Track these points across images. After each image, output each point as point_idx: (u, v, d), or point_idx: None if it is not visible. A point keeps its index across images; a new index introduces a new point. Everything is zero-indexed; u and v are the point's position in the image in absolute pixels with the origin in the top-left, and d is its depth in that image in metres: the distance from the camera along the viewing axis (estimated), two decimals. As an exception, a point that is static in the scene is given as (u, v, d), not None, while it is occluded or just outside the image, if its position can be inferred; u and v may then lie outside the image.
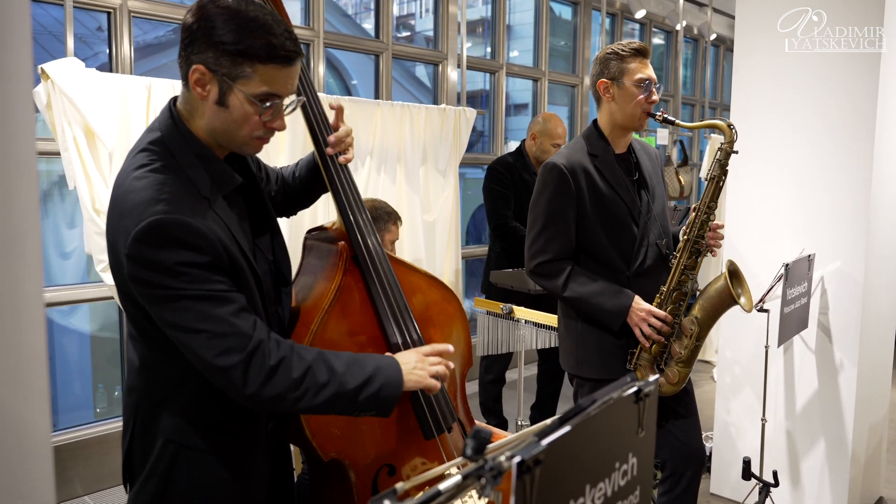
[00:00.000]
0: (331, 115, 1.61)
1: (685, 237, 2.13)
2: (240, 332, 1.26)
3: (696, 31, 7.38)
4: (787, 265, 2.57)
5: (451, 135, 3.84)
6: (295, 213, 1.79)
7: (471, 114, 3.96)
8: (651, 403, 1.01)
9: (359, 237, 1.56)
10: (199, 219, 1.24)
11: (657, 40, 7.42)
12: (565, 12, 6.22)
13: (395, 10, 4.72)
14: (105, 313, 3.75)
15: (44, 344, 0.84)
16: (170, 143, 1.30)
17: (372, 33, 4.68)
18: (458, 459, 0.99)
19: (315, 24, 4.09)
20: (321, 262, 1.59)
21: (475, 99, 5.85)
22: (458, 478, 0.74)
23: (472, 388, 4.23)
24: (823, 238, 2.92)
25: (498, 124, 5.34)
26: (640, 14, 6.46)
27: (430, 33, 5.15)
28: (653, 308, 2.11)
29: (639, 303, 2.10)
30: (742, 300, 2.10)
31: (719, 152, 2.11)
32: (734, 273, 2.13)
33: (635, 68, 2.11)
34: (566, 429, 0.81)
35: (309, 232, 1.66)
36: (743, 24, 3.12)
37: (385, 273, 1.57)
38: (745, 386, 3.20)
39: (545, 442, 0.77)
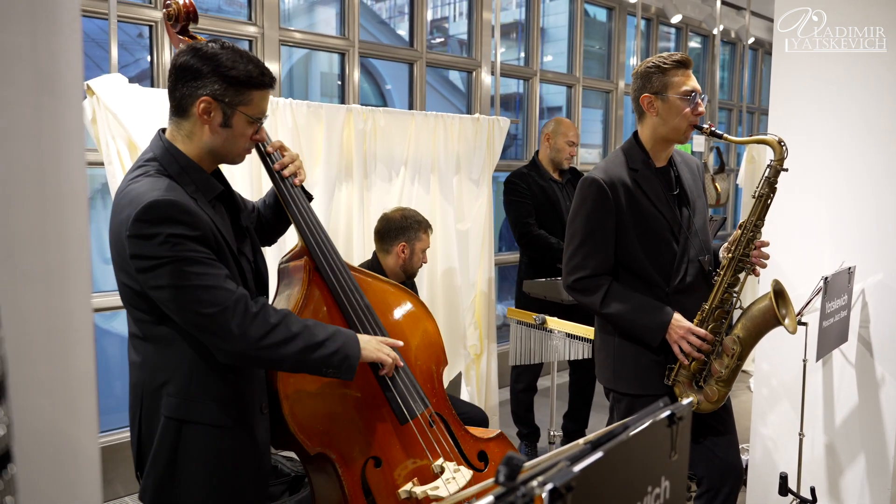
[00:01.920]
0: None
1: (730, 255, 2.09)
2: (225, 287, 1.46)
3: (733, 35, 7.26)
4: (826, 278, 2.52)
5: (484, 144, 3.85)
6: (276, 241, 2.00)
7: (504, 123, 3.96)
8: (685, 426, 1.01)
9: (316, 249, 1.75)
10: (191, 203, 1.47)
11: (693, 44, 7.33)
12: (600, 14, 6.18)
13: (429, 15, 4.74)
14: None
15: (93, 369, 0.87)
16: (160, 159, 1.55)
17: (406, 39, 4.72)
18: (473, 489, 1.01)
19: (350, 33, 4.14)
20: (290, 278, 1.81)
21: (508, 102, 5.84)
22: (490, 498, 0.75)
23: (504, 395, 4.23)
24: (865, 249, 2.85)
25: (531, 129, 5.33)
26: (675, 19, 6.38)
27: (464, 37, 5.16)
28: (692, 326, 2.07)
29: (678, 320, 2.07)
30: (787, 321, 2.05)
31: (768, 170, 2.05)
32: (779, 293, 2.07)
33: (680, 80, 2.07)
34: (599, 454, 0.82)
35: (280, 260, 1.86)
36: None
37: (345, 278, 1.77)
38: (782, 399, 3.14)
39: (577, 468, 0.78)
